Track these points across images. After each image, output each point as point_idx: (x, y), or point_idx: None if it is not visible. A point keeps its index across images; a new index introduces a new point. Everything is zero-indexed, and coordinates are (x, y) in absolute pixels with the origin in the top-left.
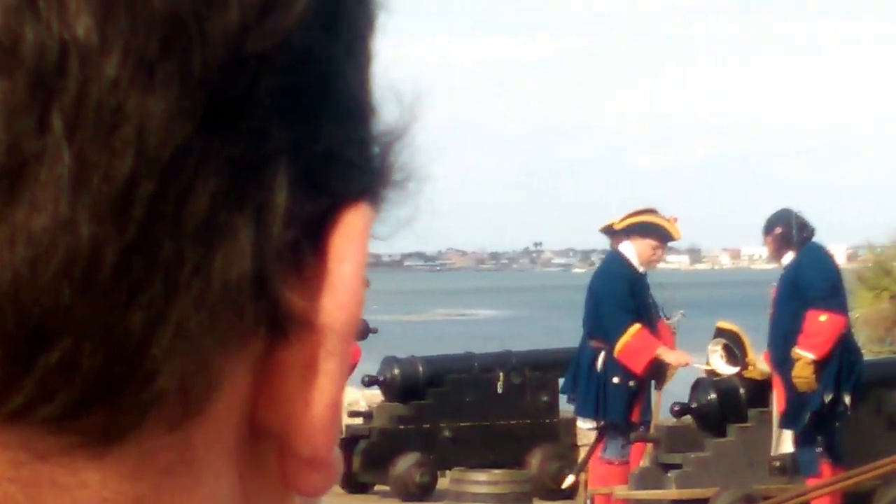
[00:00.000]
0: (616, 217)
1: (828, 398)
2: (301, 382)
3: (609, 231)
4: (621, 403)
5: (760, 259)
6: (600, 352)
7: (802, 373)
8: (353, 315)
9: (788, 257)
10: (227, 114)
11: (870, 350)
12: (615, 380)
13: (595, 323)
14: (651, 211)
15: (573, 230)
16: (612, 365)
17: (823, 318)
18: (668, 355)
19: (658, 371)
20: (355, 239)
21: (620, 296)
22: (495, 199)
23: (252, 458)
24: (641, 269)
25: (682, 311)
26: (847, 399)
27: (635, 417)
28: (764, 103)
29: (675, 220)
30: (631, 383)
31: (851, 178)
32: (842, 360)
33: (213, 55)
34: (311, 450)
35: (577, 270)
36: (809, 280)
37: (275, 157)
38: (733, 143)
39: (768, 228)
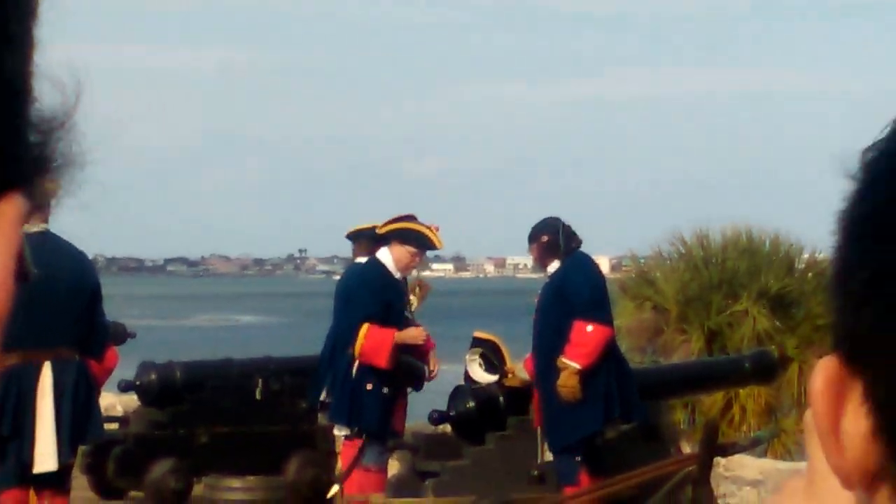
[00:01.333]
0: (366, 223)
1: (611, 415)
2: None
3: (353, 236)
4: (376, 410)
5: (525, 268)
6: (355, 358)
7: (568, 382)
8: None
9: (554, 266)
10: None
11: (631, 360)
12: (368, 386)
13: (347, 328)
14: (411, 217)
15: (338, 238)
16: (366, 371)
17: (590, 328)
18: (404, 336)
19: (412, 371)
20: (5, 228)
21: (365, 301)
22: (259, 205)
23: None
24: (398, 275)
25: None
26: (617, 411)
27: (395, 424)
28: (532, 116)
29: (437, 228)
30: (385, 389)
31: (614, 189)
32: (610, 372)
33: None
34: None
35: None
36: (576, 289)
37: None
38: (498, 155)
39: (534, 236)
